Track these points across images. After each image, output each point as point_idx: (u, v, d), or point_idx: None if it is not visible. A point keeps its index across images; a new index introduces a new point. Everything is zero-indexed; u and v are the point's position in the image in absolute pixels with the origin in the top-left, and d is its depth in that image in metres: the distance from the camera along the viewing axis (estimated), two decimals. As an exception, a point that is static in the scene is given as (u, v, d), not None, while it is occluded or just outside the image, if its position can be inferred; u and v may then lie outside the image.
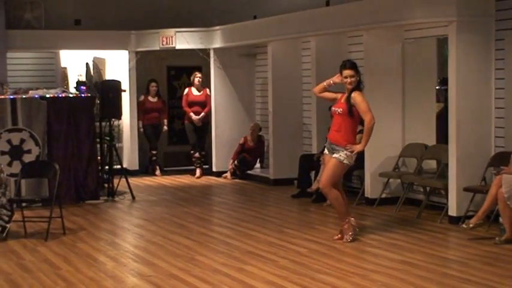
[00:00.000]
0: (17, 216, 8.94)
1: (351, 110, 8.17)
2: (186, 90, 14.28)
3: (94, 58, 13.98)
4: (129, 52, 14.66)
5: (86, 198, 11.39)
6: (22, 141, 11.00)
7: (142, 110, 14.59)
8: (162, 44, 14.45)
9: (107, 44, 14.51)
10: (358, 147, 8.27)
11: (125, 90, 13.34)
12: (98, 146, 11.90)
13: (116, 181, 11.79)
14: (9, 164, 10.81)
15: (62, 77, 14.62)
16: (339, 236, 8.40)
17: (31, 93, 11.47)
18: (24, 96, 11.23)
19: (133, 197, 11.68)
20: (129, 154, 14.69)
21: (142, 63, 14.80)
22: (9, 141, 10.95)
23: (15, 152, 10.95)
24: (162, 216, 10.30)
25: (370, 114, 8.13)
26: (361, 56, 10.74)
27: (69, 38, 14.27)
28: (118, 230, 9.60)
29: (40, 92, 11.50)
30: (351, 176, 10.89)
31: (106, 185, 11.85)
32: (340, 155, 8.21)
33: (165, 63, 15.48)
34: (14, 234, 8.85)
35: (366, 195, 10.72)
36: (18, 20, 14.37)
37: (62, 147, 11.26)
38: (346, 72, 8.24)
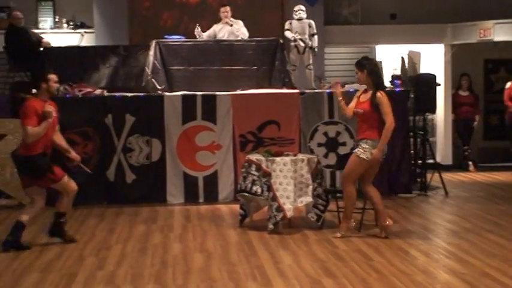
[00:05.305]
0: (331, 206, 9.22)
1: (377, 108, 8.04)
2: (508, 84, 13.73)
3: (409, 52, 13.96)
4: (444, 45, 14.49)
5: (398, 191, 11.42)
6: (338, 133, 11.30)
7: (453, 104, 14.38)
8: (480, 37, 14.06)
9: (422, 37, 14.42)
10: (375, 152, 8.05)
11: (439, 84, 13.17)
12: (411, 139, 11.90)
13: (428, 176, 11.69)
14: (325, 156, 11.18)
15: (376, 70, 14.78)
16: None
17: (346, 87, 11.76)
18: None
19: (446, 193, 11.49)
20: (443, 149, 14.52)
21: (458, 57, 14.52)
22: (325, 134, 11.31)
23: (331, 144, 11.28)
24: (475, 213, 10.01)
25: (392, 117, 7.99)
26: None
27: (384, 32, 14.45)
28: (430, 224, 9.49)
29: (355, 86, 11.73)
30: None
31: (419, 179, 11.81)
32: (358, 150, 8.13)
33: (482, 56, 15.06)
34: (329, 223, 9.14)
35: None
36: (336, 16, 14.80)
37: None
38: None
